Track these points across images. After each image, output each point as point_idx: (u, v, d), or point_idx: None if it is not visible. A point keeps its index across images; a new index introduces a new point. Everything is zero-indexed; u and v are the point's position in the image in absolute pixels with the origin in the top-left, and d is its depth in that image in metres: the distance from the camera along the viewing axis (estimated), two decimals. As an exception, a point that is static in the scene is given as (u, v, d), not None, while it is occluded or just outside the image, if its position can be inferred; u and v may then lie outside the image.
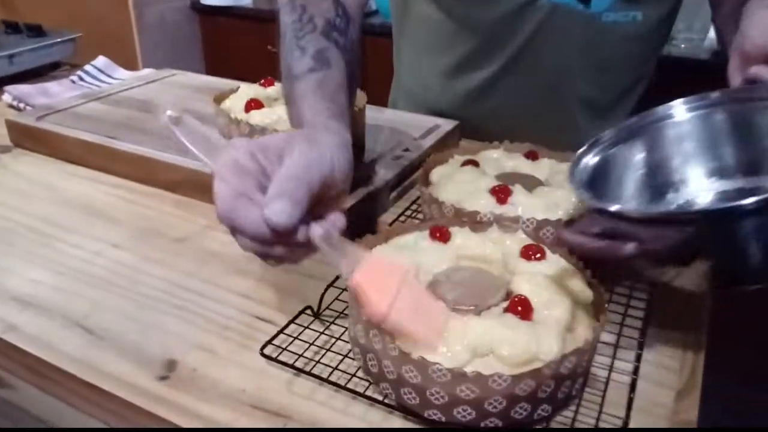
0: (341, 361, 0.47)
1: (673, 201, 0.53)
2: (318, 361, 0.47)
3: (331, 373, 0.46)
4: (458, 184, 0.61)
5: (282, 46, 0.60)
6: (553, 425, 0.43)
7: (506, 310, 0.42)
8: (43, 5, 1.74)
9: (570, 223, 0.54)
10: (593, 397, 0.44)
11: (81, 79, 1.12)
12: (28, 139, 0.85)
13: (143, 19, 2.06)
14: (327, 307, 0.53)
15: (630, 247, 0.42)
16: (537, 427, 0.42)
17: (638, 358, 0.48)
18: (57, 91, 1.06)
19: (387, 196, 0.71)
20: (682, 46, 1.66)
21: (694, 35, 1.68)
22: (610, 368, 0.47)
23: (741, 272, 0.43)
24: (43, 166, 0.82)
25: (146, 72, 1.11)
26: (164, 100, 0.95)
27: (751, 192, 0.47)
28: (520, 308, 0.41)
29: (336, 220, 0.44)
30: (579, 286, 0.45)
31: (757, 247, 0.40)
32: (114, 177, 0.78)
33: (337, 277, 0.56)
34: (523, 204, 0.57)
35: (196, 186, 0.72)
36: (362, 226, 0.67)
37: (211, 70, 2.28)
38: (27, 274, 0.60)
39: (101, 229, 0.67)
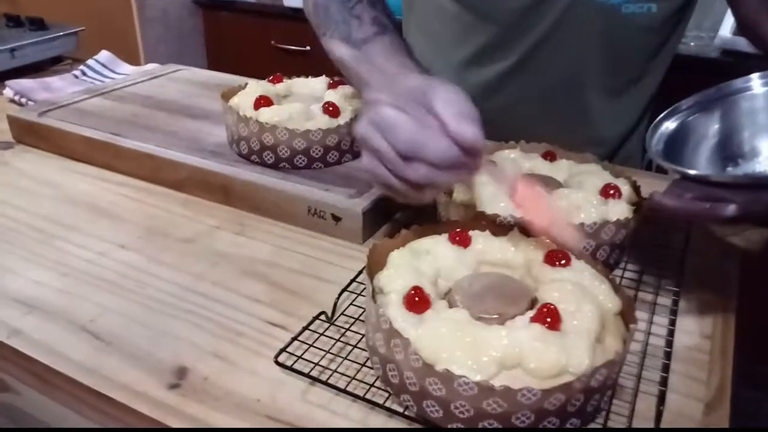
0: (359, 370, 0.46)
1: (749, 169, 0.55)
2: (334, 370, 0.45)
3: (349, 383, 0.44)
4: (477, 185, 0.59)
5: (324, 17, 0.68)
6: (581, 439, 0.41)
7: (533, 319, 0.40)
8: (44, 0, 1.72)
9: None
10: (621, 409, 0.43)
11: (84, 73, 1.10)
12: (31, 135, 0.83)
13: (145, 12, 2.03)
14: (342, 313, 0.51)
15: (732, 209, 0.44)
16: (564, 440, 0.41)
17: (666, 368, 0.46)
18: (59, 85, 1.04)
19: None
20: (692, 44, 1.63)
21: (704, 33, 1.66)
22: (639, 377, 0.45)
23: None
24: (45, 163, 0.80)
25: (150, 67, 1.09)
26: (170, 95, 0.93)
27: None
28: (549, 319, 0.39)
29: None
30: (607, 293, 0.44)
31: None
32: (119, 175, 0.76)
33: (352, 281, 0.54)
34: (544, 207, 0.55)
35: (201, 184, 0.71)
36: (375, 227, 0.65)
37: (214, 64, 2.26)
38: (30, 275, 0.58)
39: (107, 228, 0.65)
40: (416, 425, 0.42)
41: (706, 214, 0.46)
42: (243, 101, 0.73)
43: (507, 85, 0.85)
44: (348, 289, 0.54)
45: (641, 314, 0.52)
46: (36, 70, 1.15)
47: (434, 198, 0.57)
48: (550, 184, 0.60)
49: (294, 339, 0.48)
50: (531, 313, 0.41)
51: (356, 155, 0.73)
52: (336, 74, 0.77)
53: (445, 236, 0.50)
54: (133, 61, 1.17)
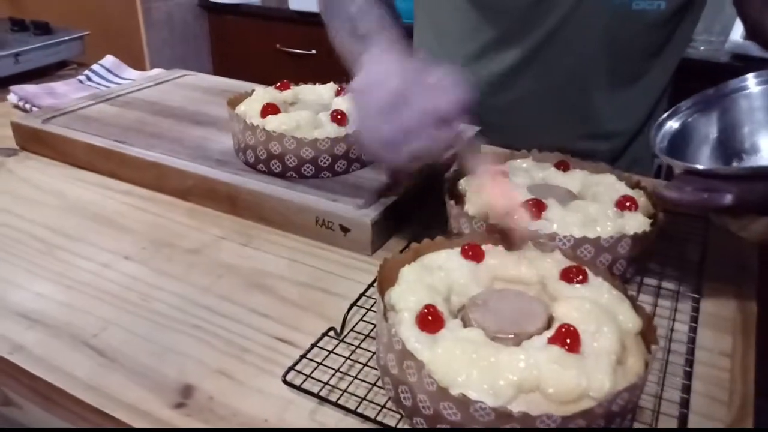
0: (369, 389, 0.44)
1: (749, 164, 0.57)
2: (344, 390, 0.44)
3: (359, 403, 0.43)
4: (485, 195, 0.57)
5: (333, 13, 0.73)
6: (600, 464, 0.39)
7: (552, 341, 0.39)
8: (50, 2, 1.71)
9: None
10: (641, 432, 0.41)
11: (89, 78, 1.09)
12: (35, 142, 0.82)
13: (151, 16, 2.03)
14: (351, 329, 0.50)
15: (728, 198, 0.47)
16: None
17: (686, 389, 0.45)
18: (64, 91, 1.03)
19: (410, 206, 0.68)
20: (702, 48, 1.62)
21: (714, 38, 1.64)
22: (659, 398, 0.44)
23: None
24: (49, 170, 0.79)
25: (156, 72, 1.08)
26: (176, 101, 0.92)
27: None
28: (568, 340, 0.38)
29: None
30: (627, 312, 0.42)
31: None
32: (123, 183, 0.75)
33: (361, 295, 0.53)
34: (559, 220, 0.53)
35: (207, 193, 0.69)
36: (384, 238, 0.64)
37: (219, 67, 2.25)
38: (33, 287, 0.57)
39: (111, 239, 0.64)
40: (429, 448, 0.40)
41: (705, 203, 0.48)
42: (250, 109, 0.72)
43: (515, 80, 0.84)
44: (357, 303, 0.52)
45: (660, 331, 0.50)
46: (40, 75, 1.14)
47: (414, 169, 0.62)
48: (565, 195, 0.59)
49: (302, 357, 0.46)
50: (548, 333, 0.40)
51: (364, 164, 0.72)
52: (344, 80, 0.76)
53: (457, 250, 0.49)
54: (139, 65, 1.17)
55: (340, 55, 0.72)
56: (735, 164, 0.58)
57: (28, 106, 0.97)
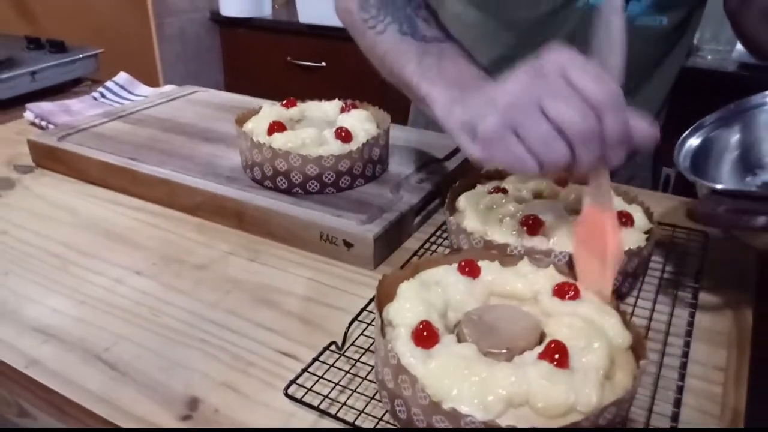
0: (368, 402, 0.46)
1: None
2: (344, 403, 0.46)
3: (358, 416, 0.44)
4: (486, 212, 0.59)
5: (384, 11, 0.68)
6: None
7: (541, 356, 0.40)
8: (65, 20, 1.75)
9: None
10: (632, 445, 0.42)
11: (103, 95, 1.12)
12: (50, 159, 0.85)
13: (164, 31, 2.07)
14: (352, 343, 0.52)
15: (762, 220, 0.48)
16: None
17: (677, 403, 0.46)
18: (79, 108, 1.06)
19: (412, 222, 0.70)
20: (709, 57, 1.62)
21: (721, 47, 1.65)
22: (650, 411, 0.45)
23: None
24: (64, 187, 0.82)
25: (168, 89, 1.11)
26: (187, 118, 0.94)
27: None
28: (557, 355, 0.39)
29: None
30: (617, 328, 0.44)
31: None
32: (135, 199, 0.78)
33: (362, 311, 0.55)
34: (556, 236, 0.55)
35: (215, 210, 0.71)
36: (387, 253, 0.66)
37: (231, 80, 2.29)
38: (47, 302, 0.59)
39: (123, 255, 0.67)
40: (425, 460, 0.42)
41: (739, 224, 0.49)
42: (257, 126, 0.74)
43: None
44: (358, 318, 0.54)
45: (654, 345, 0.52)
46: (56, 92, 1.17)
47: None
48: (562, 211, 0.60)
49: (304, 371, 0.48)
50: (539, 349, 0.41)
51: (368, 180, 0.74)
52: (346, 95, 0.78)
53: (454, 266, 0.51)
54: (152, 79, 1.20)
55: (375, 54, 0.70)
56: (749, 179, 0.60)
57: (44, 123, 1.00)
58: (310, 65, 2.02)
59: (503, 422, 0.36)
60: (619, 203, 0.61)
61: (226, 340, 0.54)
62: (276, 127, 0.72)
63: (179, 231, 0.71)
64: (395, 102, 0.84)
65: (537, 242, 0.54)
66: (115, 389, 0.49)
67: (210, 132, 0.89)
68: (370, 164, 0.73)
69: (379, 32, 0.69)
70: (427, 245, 0.66)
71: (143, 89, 1.15)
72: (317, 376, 0.48)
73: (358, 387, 0.47)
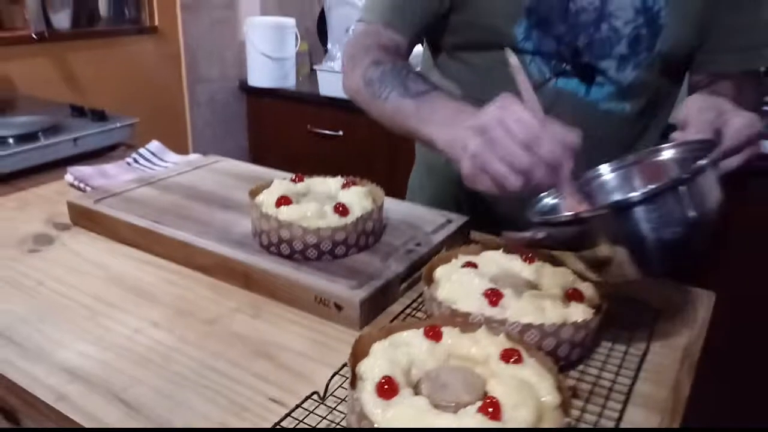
0: (339, 444, 0.54)
1: None
2: (319, 444, 0.54)
3: (330, 455, 0.53)
4: (456, 284, 0.68)
5: (382, 83, 0.87)
6: None
7: (479, 410, 0.48)
8: (106, 88, 1.93)
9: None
10: (559, 491, 0.50)
11: (136, 161, 1.24)
12: (86, 219, 0.96)
13: (195, 98, 2.24)
14: (331, 394, 0.60)
15: (540, 234, 0.63)
16: None
17: (605, 457, 0.53)
18: (114, 173, 1.18)
19: (397, 288, 0.79)
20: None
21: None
22: (578, 465, 0.52)
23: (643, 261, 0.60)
24: (97, 244, 0.92)
25: (194, 157, 1.23)
26: (207, 186, 1.05)
27: None
28: (491, 409, 0.48)
29: None
30: (548, 389, 0.52)
31: (652, 237, 0.58)
32: (158, 258, 0.88)
33: (343, 366, 0.63)
34: (512, 307, 0.63)
35: (226, 271, 0.81)
36: (373, 316, 0.74)
37: (255, 145, 2.44)
38: (76, 347, 0.69)
39: (144, 308, 0.76)
40: (382, 495, 0.49)
41: (520, 238, 0.64)
42: (267, 199, 0.85)
43: None
44: (339, 372, 0.63)
45: (594, 408, 0.59)
46: (94, 156, 1.30)
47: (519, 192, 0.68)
48: (523, 285, 0.69)
49: (287, 415, 0.57)
50: (480, 404, 0.49)
51: (361, 249, 0.83)
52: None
53: (421, 330, 0.59)
54: (182, 141, 1.32)
55: (385, 117, 0.87)
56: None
57: (82, 185, 1.13)
58: (328, 133, 2.16)
59: (441, 462, 0.44)
60: (572, 281, 0.69)
61: (225, 387, 0.63)
62: (283, 200, 0.83)
63: (193, 288, 0.81)
64: (404, 164, 0.95)
65: (496, 312, 0.63)
66: (129, 424, 0.58)
67: (227, 200, 1.00)
68: (364, 236, 0.83)
69: (384, 99, 0.86)
70: (408, 310, 0.75)
71: (172, 156, 1.28)
72: (298, 420, 0.56)
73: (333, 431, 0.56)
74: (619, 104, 0.93)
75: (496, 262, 0.74)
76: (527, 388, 0.51)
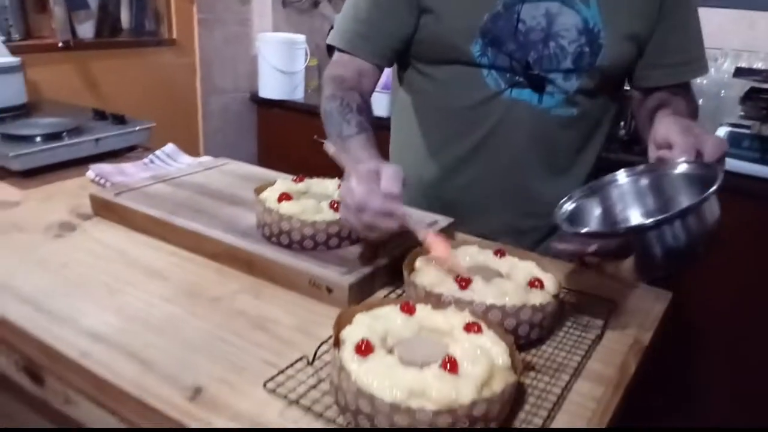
0: (323, 395, 0.63)
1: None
2: (303, 395, 0.63)
3: (314, 403, 0.62)
4: (433, 271, 0.77)
5: (329, 120, 1.05)
6: (472, 457, 0.57)
7: (440, 366, 0.57)
8: (126, 95, 2.04)
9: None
10: (506, 439, 0.59)
11: (151, 161, 1.35)
12: (106, 210, 1.06)
13: (208, 107, 2.36)
14: (318, 358, 0.69)
15: (593, 247, 0.75)
16: (459, 457, 0.57)
17: (549, 414, 0.62)
18: (132, 171, 1.28)
19: (382, 277, 0.88)
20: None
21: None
22: (527, 421, 0.61)
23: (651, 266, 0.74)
24: (116, 233, 1.02)
25: (205, 159, 1.34)
26: (217, 184, 1.16)
27: None
28: (448, 365, 0.57)
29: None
30: (501, 354, 0.61)
31: (660, 250, 0.71)
32: (171, 245, 0.98)
33: (330, 337, 0.73)
34: (479, 291, 0.73)
35: (232, 258, 0.91)
36: (361, 299, 0.84)
37: (264, 152, 2.55)
38: (98, 316, 0.78)
39: (157, 286, 0.86)
40: (357, 438, 0.59)
41: (580, 251, 0.76)
42: (270, 196, 0.95)
43: (463, 169, 1.12)
44: (327, 342, 0.72)
45: (545, 378, 0.68)
46: (114, 156, 1.41)
47: (381, 238, 0.83)
48: (493, 275, 0.78)
49: (279, 373, 0.66)
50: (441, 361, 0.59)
51: (353, 242, 0.93)
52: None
53: (398, 306, 0.69)
54: (194, 146, 1.43)
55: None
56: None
57: (103, 181, 1.23)
58: (334, 144, 2.27)
59: (404, 406, 0.53)
60: (539, 272, 0.79)
61: (227, 351, 0.72)
62: (284, 197, 0.93)
63: (202, 272, 0.91)
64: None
65: (464, 294, 0.72)
66: (144, 379, 0.67)
67: (234, 197, 1.10)
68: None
69: (329, 133, 1.05)
70: (392, 296, 0.84)
71: (185, 158, 1.38)
72: (289, 376, 0.66)
73: (316, 386, 0.65)
74: (567, 110, 1.07)
75: (470, 255, 0.83)
76: (483, 351, 0.60)
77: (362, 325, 0.64)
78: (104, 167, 1.27)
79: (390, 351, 0.63)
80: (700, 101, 1.90)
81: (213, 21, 2.31)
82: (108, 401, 0.68)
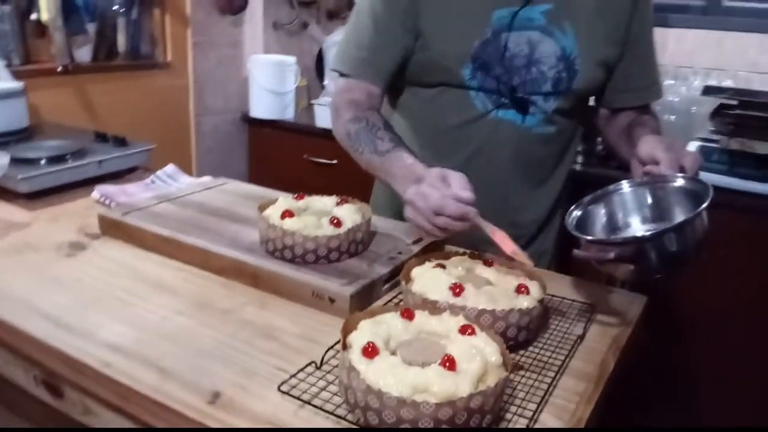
0: (332, 396, 0.69)
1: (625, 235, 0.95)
2: (315, 396, 0.69)
3: (325, 403, 0.68)
4: (428, 280, 0.84)
5: (357, 140, 1.11)
6: (470, 447, 0.63)
7: (439, 363, 0.64)
8: (122, 116, 2.10)
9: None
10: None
11: (153, 182, 1.40)
12: (114, 229, 1.12)
13: (201, 127, 2.42)
14: (326, 362, 0.75)
15: (622, 270, 0.85)
16: (458, 447, 0.63)
17: (536, 409, 0.68)
18: (134, 191, 1.34)
19: (381, 287, 0.94)
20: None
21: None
22: (517, 414, 0.68)
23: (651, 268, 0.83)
24: (124, 251, 1.07)
25: (205, 179, 1.39)
26: (218, 203, 1.21)
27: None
28: (448, 363, 0.63)
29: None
30: (494, 353, 0.67)
31: (656, 255, 0.81)
32: (179, 262, 1.03)
33: (336, 343, 0.79)
34: (472, 297, 0.79)
35: (237, 272, 0.97)
36: (363, 306, 0.90)
37: (255, 171, 2.60)
38: (115, 328, 0.83)
39: (169, 300, 0.91)
40: (364, 433, 0.64)
41: (600, 257, 0.84)
42: (273, 213, 1.01)
43: None
44: (333, 347, 0.78)
45: (531, 375, 0.75)
46: (115, 176, 1.46)
47: (447, 236, 0.96)
48: (483, 282, 0.85)
49: (291, 377, 0.72)
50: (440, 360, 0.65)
51: (351, 255, 0.99)
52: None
53: (398, 312, 0.75)
54: (186, 165, 1.47)
55: (364, 167, 1.12)
56: (616, 236, 0.94)
57: (107, 201, 1.28)
58: (324, 162, 2.33)
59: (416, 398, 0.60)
60: (524, 279, 0.85)
61: (239, 358, 0.78)
62: (287, 213, 0.99)
63: (210, 286, 0.96)
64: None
65: (457, 301, 0.79)
66: (164, 385, 0.72)
67: (235, 214, 1.16)
68: (354, 244, 0.99)
69: (360, 153, 1.09)
70: (389, 304, 0.90)
71: (185, 178, 1.44)
72: (299, 380, 0.72)
73: (326, 387, 0.71)
74: (547, 128, 1.18)
75: (461, 264, 0.90)
76: (477, 351, 0.66)
77: (367, 330, 0.70)
78: (108, 188, 1.32)
79: (393, 353, 0.69)
80: (673, 117, 2.01)
81: (206, 44, 2.38)
82: (130, 407, 0.74)
